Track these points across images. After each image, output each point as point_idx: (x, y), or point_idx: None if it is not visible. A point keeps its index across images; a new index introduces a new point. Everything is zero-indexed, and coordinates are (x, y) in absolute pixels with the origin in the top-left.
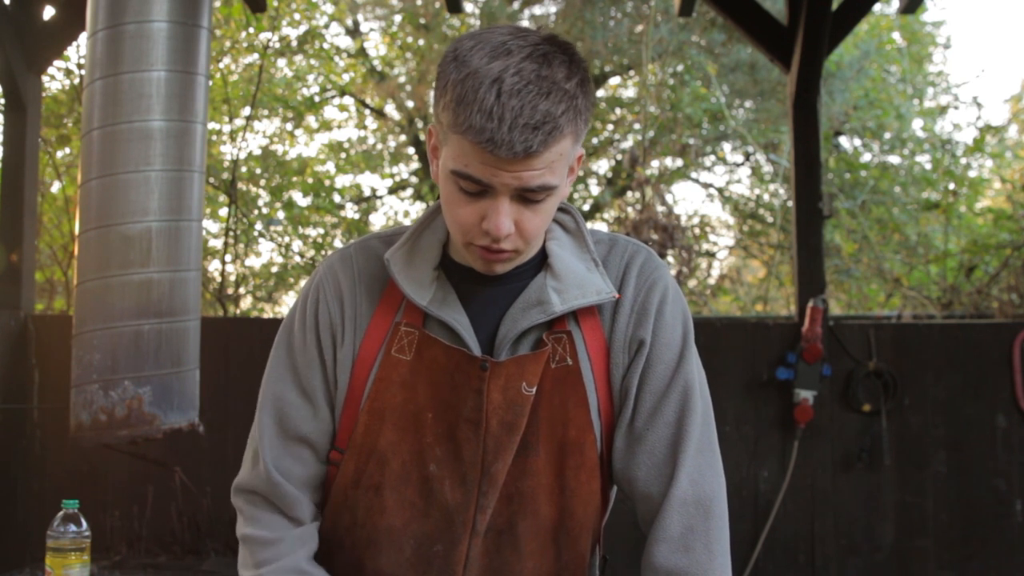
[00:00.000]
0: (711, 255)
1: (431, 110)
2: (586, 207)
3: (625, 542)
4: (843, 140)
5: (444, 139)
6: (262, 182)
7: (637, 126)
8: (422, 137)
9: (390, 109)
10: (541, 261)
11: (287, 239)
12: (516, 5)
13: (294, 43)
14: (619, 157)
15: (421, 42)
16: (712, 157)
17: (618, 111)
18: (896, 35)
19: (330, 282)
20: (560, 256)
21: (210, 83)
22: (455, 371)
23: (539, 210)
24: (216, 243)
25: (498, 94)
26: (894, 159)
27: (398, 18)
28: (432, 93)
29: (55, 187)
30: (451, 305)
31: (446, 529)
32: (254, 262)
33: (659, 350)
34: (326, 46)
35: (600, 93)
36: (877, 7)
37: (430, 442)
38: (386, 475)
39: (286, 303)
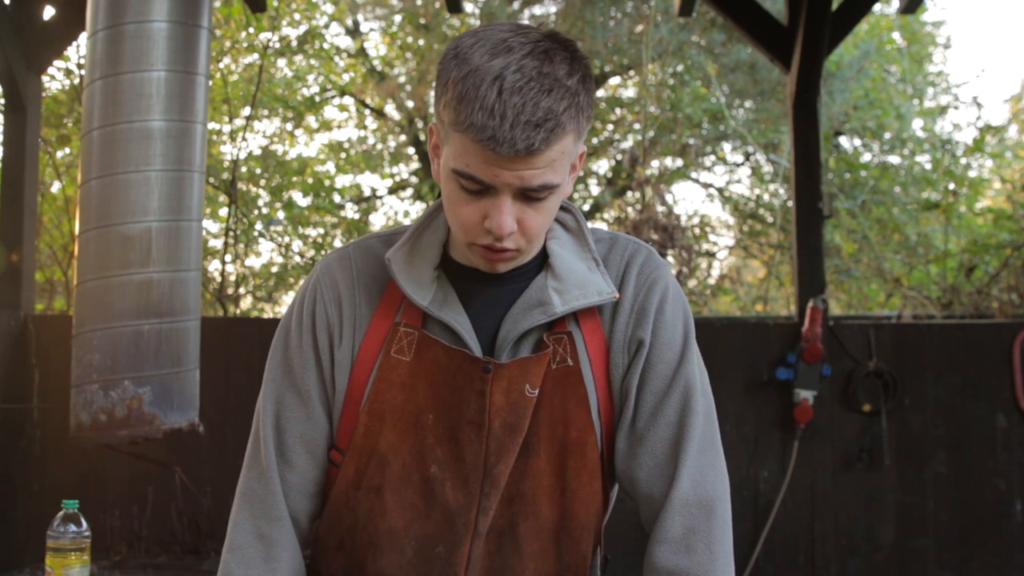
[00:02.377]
0: (711, 255)
1: (431, 110)
2: (586, 207)
3: (625, 542)
4: (843, 140)
5: (446, 137)
6: (262, 182)
7: (637, 126)
8: (422, 137)
9: (390, 109)
10: (542, 261)
11: (287, 239)
12: (516, 5)
13: (294, 43)
14: (619, 157)
15: (421, 42)
16: (712, 157)
17: (618, 111)
18: (896, 35)
19: (327, 282)
20: (561, 256)
21: (210, 83)
22: (456, 372)
23: (541, 208)
24: (216, 243)
25: (499, 91)
26: (894, 159)
27: (398, 18)
28: (432, 92)
29: (55, 187)
30: (452, 306)
31: (448, 531)
32: (254, 262)
33: (659, 350)
34: (326, 46)
35: (600, 93)
36: (877, 7)
37: (431, 443)
38: (387, 477)
39: (286, 303)
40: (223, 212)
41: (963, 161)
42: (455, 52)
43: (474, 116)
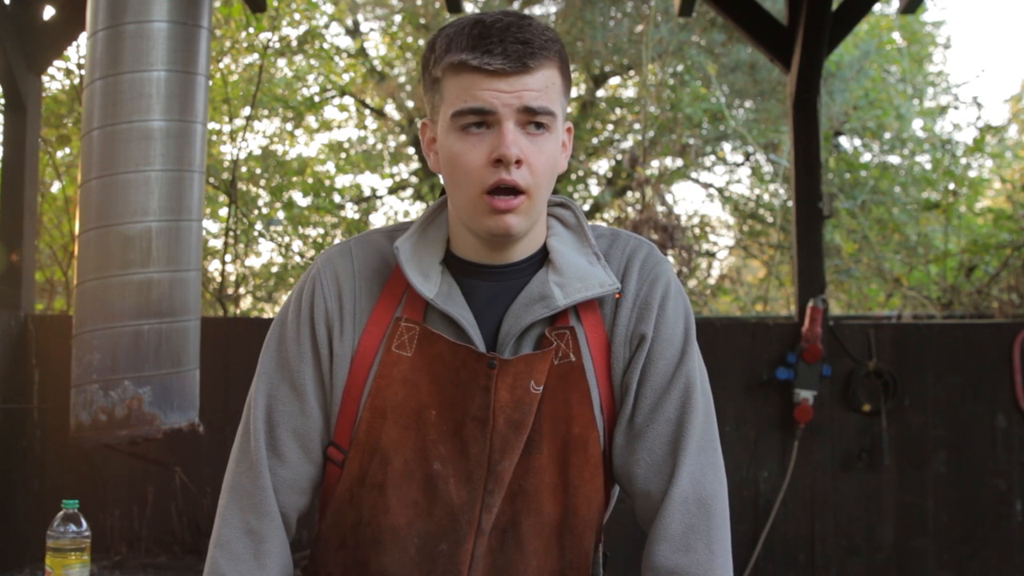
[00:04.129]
0: (711, 255)
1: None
2: (586, 207)
3: (624, 540)
4: (843, 140)
5: (440, 99)
6: (262, 182)
7: (637, 126)
8: (420, 124)
9: (390, 109)
10: (543, 258)
11: (287, 239)
12: (516, 5)
13: (294, 43)
14: (619, 157)
15: (421, 42)
16: (712, 157)
17: (618, 111)
18: (896, 35)
19: (328, 275)
20: (561, 251)
21: (210, 83)
22: (460, 368)
23: (542, 146)
24: (216, 243)
25: (483, 26)
26: (894, 159)
27: (398, 18)
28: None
29: (55, 187)
30: (456, 300)
31: (451, 528)
32: (254, 262)
33: (661, 346)
34: (326, 46)
35: (600, 93)
36: (877, 7)
37: (434, 440)
38: (389, 473)
39: None
40: (223, 212)
41: (963, 161)
42: (436, 33)
43: (464, 44)
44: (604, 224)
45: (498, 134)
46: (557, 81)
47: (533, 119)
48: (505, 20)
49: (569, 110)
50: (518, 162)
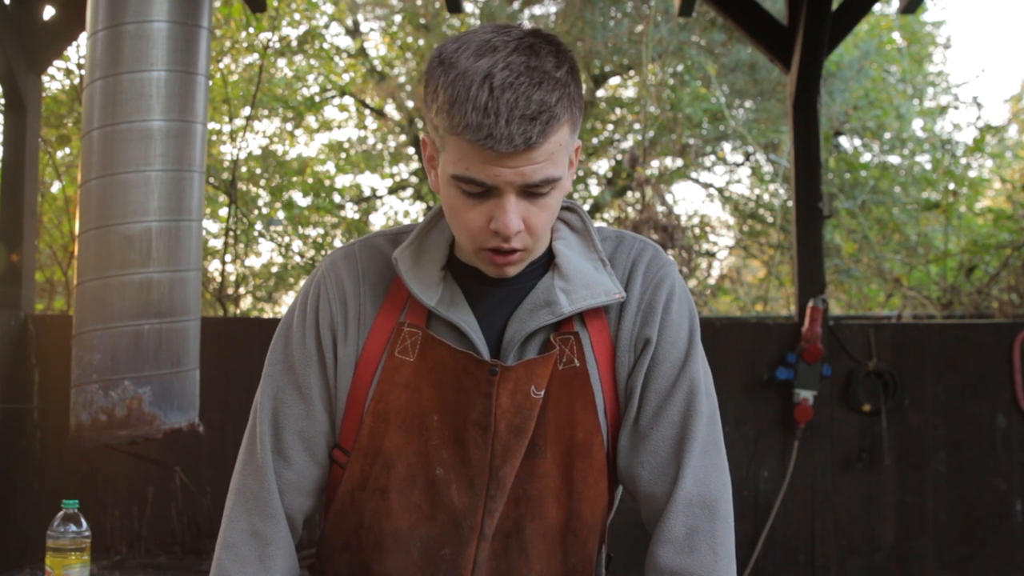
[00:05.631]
0: (711, 255)
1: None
2: (586, 207)
3: (626, 541)
4: (843, 140)
5: (441, 145)
6: (262, 182)
7: (637, 126)
8: (422, 136)
9: (390, 109)
10: (548, 261)
11: (287, 239)
12: (516, 5)
13: (294, 43)
14: (619, 157)
15: (421, 42)
16: (712, 157)
17: (618, 111)
18: (896, 35)
19: (332, 279)
20: (567, 256)
21: (210, 83)
22: (462, 374)
23: (545, 205)
24: (216, 243)
25: (491, 89)
26: (894, 159)
27: (398, 18)
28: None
29: (55, 187)
30: (459, 306)
31: (453, 533)
32: (254, 262)
33: (665, 348)
34: (326, 46)
35: (600, 93)
36: (877, 7)
37: (436, 445)
38: (391, 478)
39: (286, 303)
40: (223, 212)
41: (963, 161)
42: (440, 59)
43: (468, 117)
44: (606, 225)
45: (498, 205)
46: (565, 138)
47: (536, 191)
48: (515, 84)
49: None
50: (518, 232)
